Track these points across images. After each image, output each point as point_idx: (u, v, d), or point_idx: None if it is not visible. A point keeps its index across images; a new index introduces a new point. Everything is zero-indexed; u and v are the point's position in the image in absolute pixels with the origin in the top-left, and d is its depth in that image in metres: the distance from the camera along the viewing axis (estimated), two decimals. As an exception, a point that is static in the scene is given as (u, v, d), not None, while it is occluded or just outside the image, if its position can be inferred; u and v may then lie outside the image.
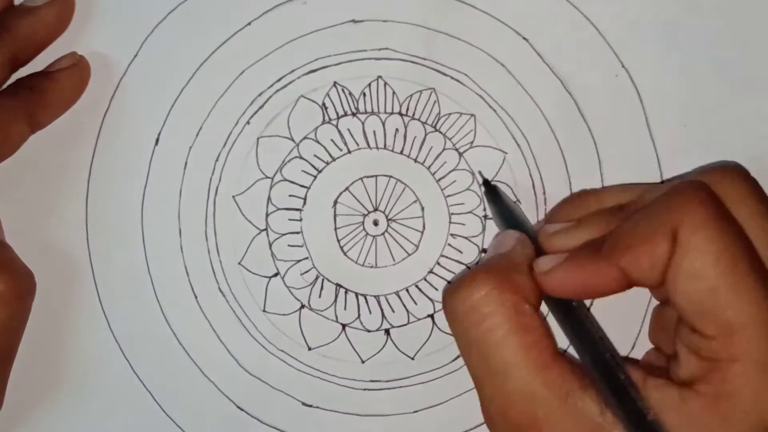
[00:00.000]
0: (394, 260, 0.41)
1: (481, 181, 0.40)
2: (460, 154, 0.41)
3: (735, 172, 0.33)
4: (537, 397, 0.32)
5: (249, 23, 0.41)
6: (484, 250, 0.41)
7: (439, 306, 0.41)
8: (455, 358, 0.41)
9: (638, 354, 0.39)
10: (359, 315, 0.41)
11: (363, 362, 0.41)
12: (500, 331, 0.33)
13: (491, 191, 0.39)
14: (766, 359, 0.30)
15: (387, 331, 0.41)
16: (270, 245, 0.41)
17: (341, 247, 0.41)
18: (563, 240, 0.35)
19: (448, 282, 0.41)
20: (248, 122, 0.41)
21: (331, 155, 0.41)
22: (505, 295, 0.33)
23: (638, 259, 0.31)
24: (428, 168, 0.41)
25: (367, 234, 0.41)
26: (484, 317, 0.33)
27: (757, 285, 0.30)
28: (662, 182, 0.39)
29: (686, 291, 0.30)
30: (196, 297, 0.41)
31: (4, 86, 0.39)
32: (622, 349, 0.39)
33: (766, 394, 0.30)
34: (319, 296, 0.41)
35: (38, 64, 0.40)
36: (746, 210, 0.32)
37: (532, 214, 0.41)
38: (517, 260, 0.35)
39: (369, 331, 0.41)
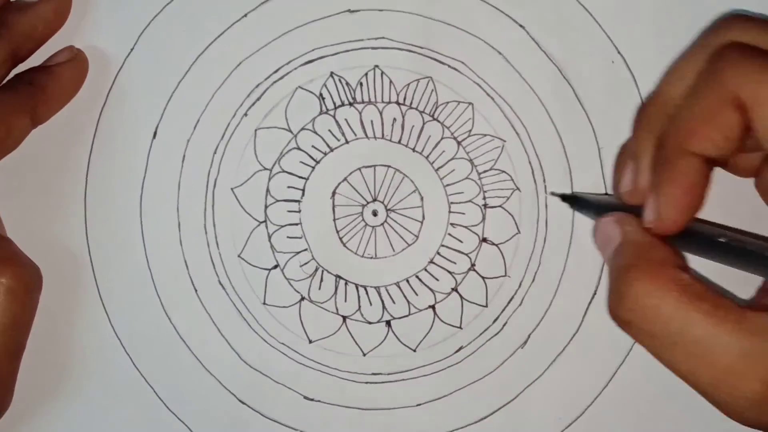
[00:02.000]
0: (393, 251, 0.41)
1: (559, 195, 0.40)
2: (459, 143, 0.41)
3: (734, 23, 0.33)
4: (755, 352, 0.30)
5: (245, 15, 0.41)
6: (484, 239, 0.41)
7: (440, 296, 0.41)
8: (457, 350, 0.41)
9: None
10: (360, 307, 0.41)
11: (364, 355, 0.41)
12: (680, 314, 0.31)
13: (572, 201, 0.39)
14: None
15: (388, 323, 0.41)
16: (269, 237, 0.41)
17: (340, 239, 0.41)
18: (644, 180, 0.34)
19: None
20: (246, 114, 0.41)
21: (329, 146, 0.41)
22: (661, 279, 0.32)
23: (709, 137, 0.31)
24: (427, 157, 0.41)
25: (367, 225, 0.41)
26: (657, 310, 0.32)
27: None
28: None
29: None
30: (196, 290, 0.41)
31: (4, 82, 0.40)
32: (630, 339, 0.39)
33: None
34: (319, 288, 0.41)
35: (36, 58, 0.40)
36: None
37: (533, 201, 0.40)
38: (638, 239, 0.34)
39: (370, 323, 0.41)
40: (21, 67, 0.40)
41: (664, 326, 0.31)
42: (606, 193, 0.40)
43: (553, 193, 0.40)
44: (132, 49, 0.41)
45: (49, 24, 0.40)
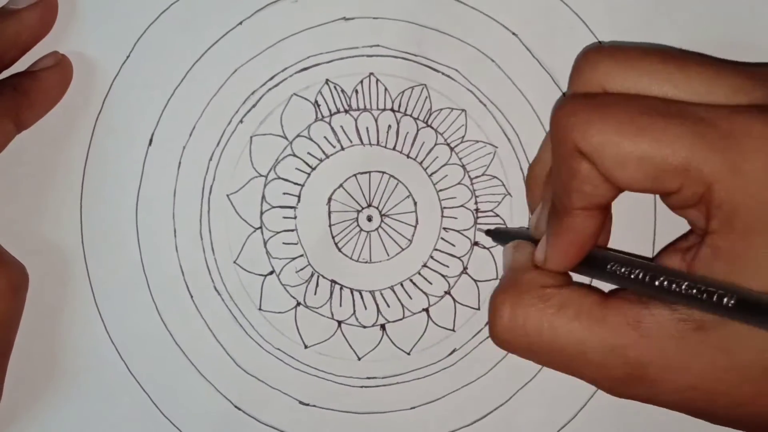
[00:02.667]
0: (388, 255, 0.41)
1: (484, 231, 0.41)
2: (452, 149, 0.41)
3: (590, 57, 0.34)
4: (617, 345, 0.32)
5: (240, 22, 0.41)
6: (476, 243, 0.41)
7: (433, 299, 0.41)
8: (451, 353, 0.41)
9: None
10: (354, 311, 0.41)
11: (359, 359, 0.41)
12: (545, 326, 0.33)
13: (496, 235, 0.41)
14: (725, 164, 0.30)
15: (383, 327, 0.41)
16: (265, 243, 0.41)
17: (336, 244, 0.41)
18: (543, 224, 0.36)
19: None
20: (241, 121, 0.41)
21: (324, 152, 0.41)
22: (524, 298, 0.34)
23: (581, 191, 0.32)
24: (420, 163, 0.41)
25: (362, 230, 0.41)
26: (524, 327, 0.34)
27: (668, 121, 0.30)
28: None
29: (627, 177, 0.31)
30: (191, 296, 0.41)
31: (-14, 88, 0.40)
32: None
33: (748, 178, 0.30)
34: (315, 293, 0.41)
35: (21, 64, 0.40)
36: (617, 77, 0.33)
37: (524, 205, 0.41)
38: (518, 265, 0.36)
39: (364, 327, 0.41)
40: (5, 74, 0.40)
41: (537, 339, 0.33)
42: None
43: (480, 229, 0.41)
44: (128, 57, 0.41)
45: (35, 31, 0.40)
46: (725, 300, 0.30)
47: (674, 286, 0.32)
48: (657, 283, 0.32)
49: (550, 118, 0.33)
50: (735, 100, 0.32)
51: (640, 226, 0.40)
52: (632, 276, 0.33)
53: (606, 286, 0.36)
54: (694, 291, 0.31)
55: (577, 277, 0.36)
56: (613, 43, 0.35)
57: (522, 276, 0.35)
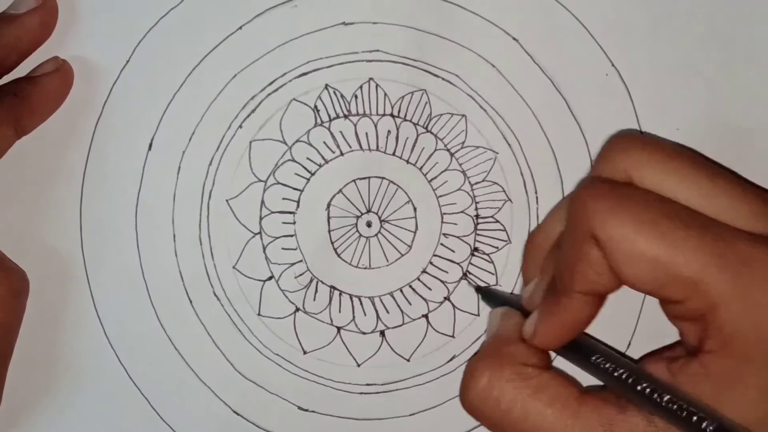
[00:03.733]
0: (387, 261, 0.41)
1: (473, 286, 0.41)
2: (452, 155, 0.41)
3: (623, 143, 0.34)
4: None
5: (240, 27, 0.41)
6: (475, 249, 0.41)
7: (433, 305, 0.41)
8: (450, 359, 0.41)
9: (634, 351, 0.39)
10: (354, 317, 0.41)
11: (358, 365, 0.41)
12: (518, 405, 0.33)
13: (486, 295, 0.40)
14: (736, 289, 0.30)
15: (382, 333, 0.41)
16: (264, 249, 0.41)
17: (335, 249, 0.41)
18: (537, 296, 0.36)
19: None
20: (241, 126, 0.41)
21: (323, 158, 0.41)
22: (504, 372, 0.34)
23: (585, 276, 0.32)
24: (420, 169, 0.41)
25: (361, 235, 0.41)
26: (498, 400, 0.33)
27: (688, 232, 0.30)
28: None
29: (635, 275, 0.31)
30: (191, 301, 0.41)
31: (-13, 93, 0.40)
32: (619, 348, 0.40)
33: (756, 308, 0.30)
34: (314, 299, 0.41)
35: (21, 69, 0.40)
36: (646, 170, 0.32)
37: (524, 213, 0.41)
38: (504, 335, 0.36)
39: (364, 333, 0.41)
40: (5, 79, 0.40)
41: (507, 416, 0.33)
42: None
43: (469, 282, 0.41)
44: (128, 61, 0.41)
45: (35, 36, 0.40)
46: (705, 424, 0.30)
47: (656, 395, 0.31)
48: (639, 387, 0.32)
49: (572, 196, 0.33)
50: (755, 224, 0.31)
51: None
52: (615, 374, 0.33)
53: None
54: (675, 407, 0.31)
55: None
56: (647, 135, 0.35)
57: (506, 347, 0.35)
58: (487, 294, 0.41)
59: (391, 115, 0.41)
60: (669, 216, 0.31)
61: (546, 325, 0.34)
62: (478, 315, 0.41)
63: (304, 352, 0.41)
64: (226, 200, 0.41)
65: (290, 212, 0.41)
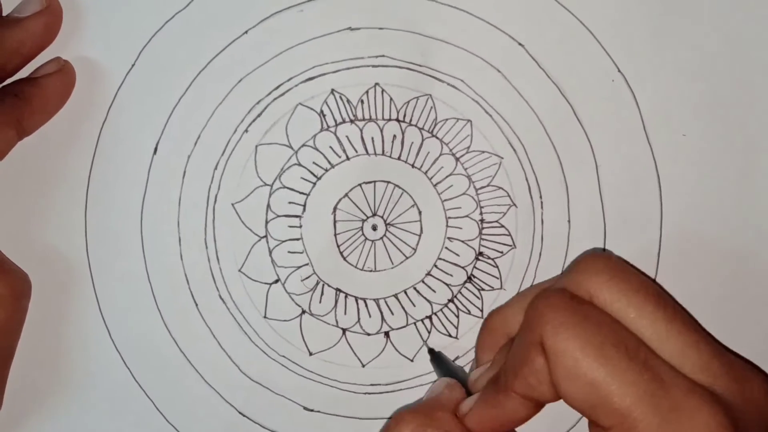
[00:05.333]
0: (392, 264, 0.42)
1: (427, 350, 0.42)
2: (457, 159, 0.41)
3: (592, 264, 0.34)
4: None
5: (246, 32, 0.41)
6: (480, 254, 0.41)
7: (437, 307, 0.41)
8: (454, 359, 0.41)
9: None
10: (359, 319, 0.42)
11: (363, 366, 0.42)
12: None
13: (437, 359, 0.41)
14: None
15: (387, 334, 0.41)
16: (270, 252, 0.41)
17: (341, 252, 0.41)
18: (482, 382, 0.37)
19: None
20: (246, 130, 0.41)
21: (329, 162, 0.41)
22: (427, 431, 0.35)
23: (526, 380, 0.33)
24: (425, 173, 0.41)
25: (366, 239, 0.41)
26: None
27: (630, 364, 0.31)
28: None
29: (571, 392, 0.31)
30: (196, 305, 0.41)
31: (-11, 94, 0.39)
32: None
33: None
34: (320, 302, 0.41)
35: (24, 70, 0.40)
36: (608, 294, 0.33)
37: (529, 218, 0.41)
38: (441, 401, 0.37)
39: (369, 334, 0.42)
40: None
41: None
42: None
43: (425, 345, 0.42)
44: (133, 65, 0.41)
45: (39, 39, 0.40)
46: None
47: None
48: None
49: (531, 300, 0.33)
50: (699, 375, 0.32)
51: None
52: None
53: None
54: None
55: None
56: (618, 259, 0.35)
57: (438, 412, 0.36)
58: (439, 360, 0.41)
59: (397, 119, 0.41)
60: (616, 344, 0.31)
61: (480, 412, 0.35)
62: (482, 317, 0.41)
63: (310, 354, 0.41)
64: (232, 204, 0.41)
65: (296, 216, 0.41)
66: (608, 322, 0.32)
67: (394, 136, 0.41)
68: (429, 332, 0.42)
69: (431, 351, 0.41)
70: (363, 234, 0.41)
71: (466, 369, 0.41)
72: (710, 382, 0.32)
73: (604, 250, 0.41)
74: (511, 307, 0.38)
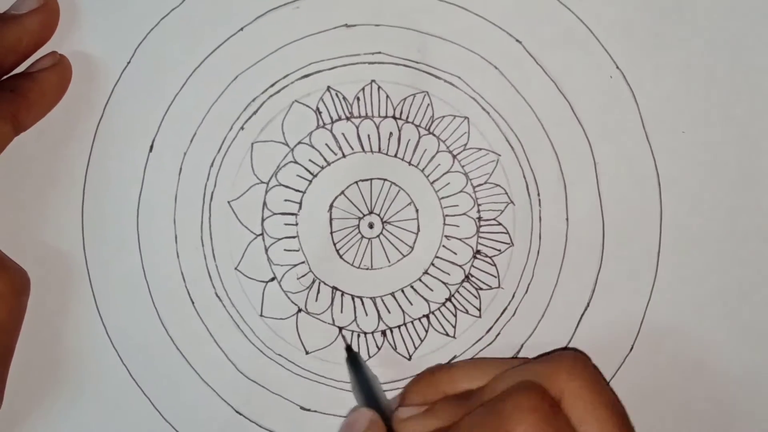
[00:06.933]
0: (389, 262, 0.41)
1: (344, 346, 0.41)
2: (454, 156, 0.41)
3: (571, 366, 0.35)
4: None
5: (242, 28, 0.41)
6: (477, 252, 0.41)
7: (434, 306, 0.41)
8: (451, 359, 0.41)
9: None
10: (356, 317, 0.41)
11: (363, 368, 0.41)
12: None
13: (353, 359, 0.40)
14: None
15: (383, 333, 0.41)
16: (266, 250, 0.41)
17: (337, 251, 0.41)
18: (413, 427, 0.37)
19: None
20: (242, 128, 0.41)
21: (326, 159, 0.41)
22: None
23: None
24: (422, 170, 0.41)
25: (363, 237, 0.41)
26: None
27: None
28: (542, 356, 0.39)
29: None
30: (192, 302, 0.41)
31: (-15, 90, 0.39)
32: (622, 351, 0.40)
33: None
34: (316, 300, 0.41)
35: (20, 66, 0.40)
36: (582, 404, 0.34)
37: (527, 216, 0.41)
38: None
39: (366, 333, 0.41)
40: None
41: None
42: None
43: (344, 338, 0.41)
44: (129, 62, 0.41)
45: (36, 37, 0.40)
46: None
47: None
48: None
49: (511, 390, 0.34)
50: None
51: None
52: None
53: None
54: None
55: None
56: (596, 369, 0.36)
57: None
58: (354, 363, 0.40)
59: (393, 116, 0.41)
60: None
61: None
62: (480, 317, 0.41)
63: (306, 352, 0.41)
64: (228, 202, 0.41)
65: (292, 214, 0.41)
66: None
67: (391, 133, 0.41)
68: (426, 331, 0.41)
69: (348, 348, 0.41)
70: (359, 232, 0.41)
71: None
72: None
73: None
74: (464, 371, 0.38)
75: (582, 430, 0.33)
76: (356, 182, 0.41)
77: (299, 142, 0.41)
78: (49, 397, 0.41)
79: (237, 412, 0.41)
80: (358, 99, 0.41)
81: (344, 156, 0.41)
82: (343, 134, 0.41)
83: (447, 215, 0.41)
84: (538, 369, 0.35)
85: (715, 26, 0.40)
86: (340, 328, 0.41)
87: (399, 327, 0.41)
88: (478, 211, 0.41)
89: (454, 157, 0.41)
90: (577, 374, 0.34)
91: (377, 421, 0.37)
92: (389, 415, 0.37)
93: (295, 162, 0.41)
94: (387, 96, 0.41)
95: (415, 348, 0.41)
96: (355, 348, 0.41)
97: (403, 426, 0.37)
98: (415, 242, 0.41)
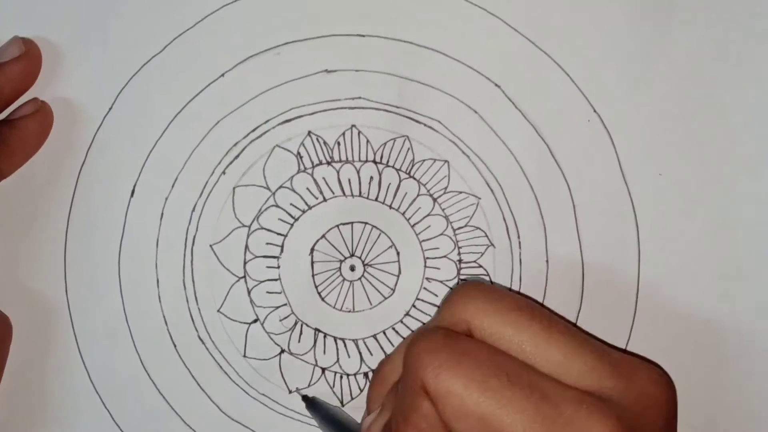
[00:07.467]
0: (371, 304, 0.42)
1: (302, 398, 0.42)
2: (434, 200, 0.41)
3: (461, 296, 0.34)
4: None
5: (223, 74, 0.41)
6: (460, 293, 0.41)
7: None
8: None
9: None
10: (338, 359, 0.42)
11: (343, 405, 0.42)
12: None
13: (311, 404, 0.41)
14: None
15: (366, 375, 0.42)
16: (249, 292, 0.41)
17: (319, 293, 0.41)
18: (373, 429, 0.36)
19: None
20: (224, 172, 0.41)
21: (306, 203, 0.41)
22: None
23: (418, 427, 0.32)
24: (403, 214, 0.41)
25: (344, 279, 0.41)
26: None
27: (516, 391, 0.31)
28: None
29: (464, 430, 0.31)
30: (175, 345, 0.41)
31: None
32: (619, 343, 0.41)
33: None
34: (299, 341, 0.42)
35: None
36: (485, 317, 0.33)
37: (507, 258, 0.41)
38: None
39: (348, 374, 0.42)
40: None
41: None
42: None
43: (297, 390, 0.42)
44: (110, 108, 0.41)
45: (17, 85, 0.40)
46: None
47: None
48: None
49: (407, 346, 0.33)
50: (585, 379, 0.32)
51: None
52: None
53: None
54: None
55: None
56: (489, 285, 0.36)
57: None
58: (315, 406, 0.41)
59: (374, 161, 0.41)
60: (498, 374, 0.31)
61: None
62: (461, 357, 0.41)
63: (290, 392, 0.42)
64: (210, 245, 0.41)
65: (274, 257, 0.41)
66: (487, 353, 0.32)
67: (371, 177, 0.41)
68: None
69: (305, 398, 0.41)
70: (341, 274, 0.41)
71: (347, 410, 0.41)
72: (598, 384, 0.32)
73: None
74: (400, 352, 0.37)
75: (508, 341, 0.32)
76: (337, 225, 0.41)
77: (280, 186, 0.41)
78: (32, 441, 0.41)
79: (220, 453, 0.41)
80: (339, 143, 0.41)
81: (325, 200, 0.41)
82: (323, 178, 0.41)
83: (428, 258, 0.41)
84: (437, 316, 0.35)
85: (692, 70, 0.40)
86: (323, 369, 0.41)
87: (381, 367, 0.42)
88: (459, 254, 0.41)
89: (435, 200, 0.41)
90: (469, 299, 0.33)
91: None
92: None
93: (277, 206, 0.41)
94: (367, 140, 0.41)
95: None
96: (337, 391, 0.42)
97: (369, 430, 0.37)
98: (396, 284, 0.41)
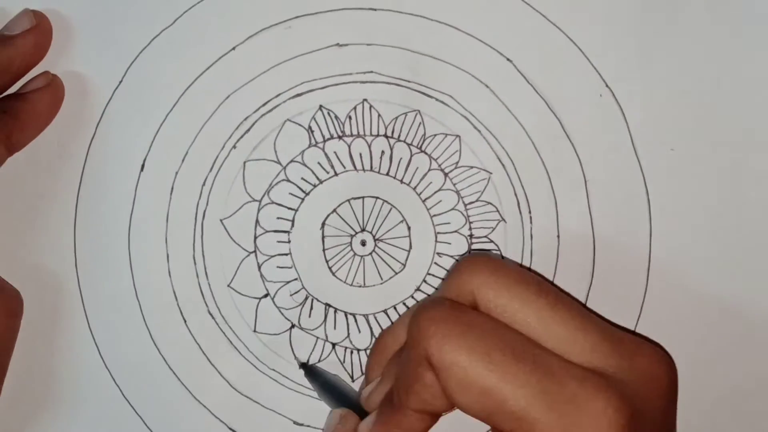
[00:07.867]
0: (381, 279, 0.42)
1: (299, 365, 0.41)
2: (446, 175, 0.41)
3: (467, 268, 0.34)
4: None
5: (233, 48, 0.40)
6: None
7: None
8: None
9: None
10: (348, 334, 0.42)
11: (353, 380, 0.42)
12: None
13: (309, 372, 0.41)
14: (559, 428, 0.30)
15: (376, 350, 0.42)
16: (259, 267, 0.41)
17: (330, 268, 0.41)
18: (376, 399, 0.37)
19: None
20: (234, 146, 0.41)
21: (318, 178, 0.41)
22: None
23: (420, 396, 0.33)
24: (414, 188, 0.41)
25: (355, 254, 0.41)
26: None
27: (520, 365, 0.31)
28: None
29: (466, 402, 0.31)
30: (185, 320, 0.41)
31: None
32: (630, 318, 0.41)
33: None
34: (309, 316, 0.42)
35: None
36: (490, 290, 0.33)
37: (518, 233, 0.41)
38: None
39: (359, 349, 0.42)
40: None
41: None
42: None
43: (297, 359, 0.42)
44: (120, 82, 0.40)
45: (28, 57, 0.39)
46: None
47: None
48: None
49: (412, 316, 0.33)
50: (590, 357, 0.32)
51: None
52: None
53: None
54: None
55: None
56: (496, 257, 0.36)
57: None
58: (313, 373, 0.41)
59: (385, 135, 0.41)
60: (502, 348, 0.31)
61: None
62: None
63: (300, 365, 0.42)
64: (221, 220, 0.41)
65: (285, 231, 0.41)
66: (492, 326, 0.32)
67: (383, 151, 0.41)
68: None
69: (303, 365, 0.41)
70: (352, 249, 0.41)
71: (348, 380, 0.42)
72: (601, 362, 0.32)
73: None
74: (402, 323, 0.37)
75: (514, 315, 0.33)
76: (348, 200, 0.41)
77: (291, 161, 0.41)
78: (42, 416, 0.41)
79: (230, 428, 0.41)
80: (350, 118, 0.41)
81: (336, 174, 0.41)
82: (335, 153, 0.41)
83: (439, 233, 0.41)
84: (442, 287, 0.35)
85: (704, 44, 0.40)
86: (334, 344, 0.41)
87: (391, 342, 0.42)
88: (470, 229, 0.41)
89: (446, 175, 0.41)
90: (476, 271, 0.33)
91: (346, 414, 0.38)
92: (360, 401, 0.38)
93: (288, 180, 0.41)
94: (379, 115, 0.41)
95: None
96: (347, 366, 0.42)
97: (367, 402, 0.37)
98: (407, 259, 0.41)
